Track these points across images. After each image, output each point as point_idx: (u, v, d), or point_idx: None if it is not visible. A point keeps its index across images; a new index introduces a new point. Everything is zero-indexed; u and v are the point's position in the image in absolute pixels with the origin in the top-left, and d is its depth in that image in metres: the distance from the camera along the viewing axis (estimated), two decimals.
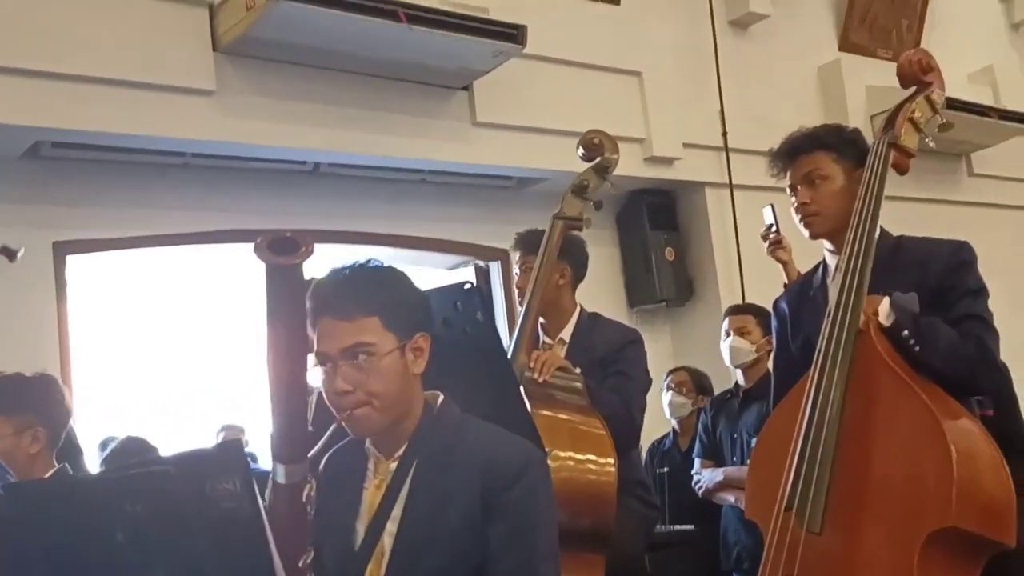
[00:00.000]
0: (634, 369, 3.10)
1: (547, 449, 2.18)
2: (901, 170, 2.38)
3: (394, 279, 1.80)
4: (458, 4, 4.52)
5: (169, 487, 1.31)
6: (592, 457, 2.78)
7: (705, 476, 3.86)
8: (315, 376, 1.73)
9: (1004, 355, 2.29)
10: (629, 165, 4.92)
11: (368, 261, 1.80)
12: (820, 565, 2.05)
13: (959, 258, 2.30)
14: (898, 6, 6.80)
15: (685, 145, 5.55)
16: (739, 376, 3.91)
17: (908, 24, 6.85)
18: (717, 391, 4.30)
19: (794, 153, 2.43)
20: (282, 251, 1.46)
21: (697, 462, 3.98)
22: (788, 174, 2.44)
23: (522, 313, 3.05)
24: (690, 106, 5.67)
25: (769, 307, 2.72)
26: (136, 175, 4.36)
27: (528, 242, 3.20)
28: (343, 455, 1.86)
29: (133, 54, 3.99)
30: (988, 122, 6.46)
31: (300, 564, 1.59)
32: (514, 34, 4.52)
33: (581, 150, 3.19)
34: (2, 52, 3.73)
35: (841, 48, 6.60)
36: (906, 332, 2.13)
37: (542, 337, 3.18)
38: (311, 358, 1.71)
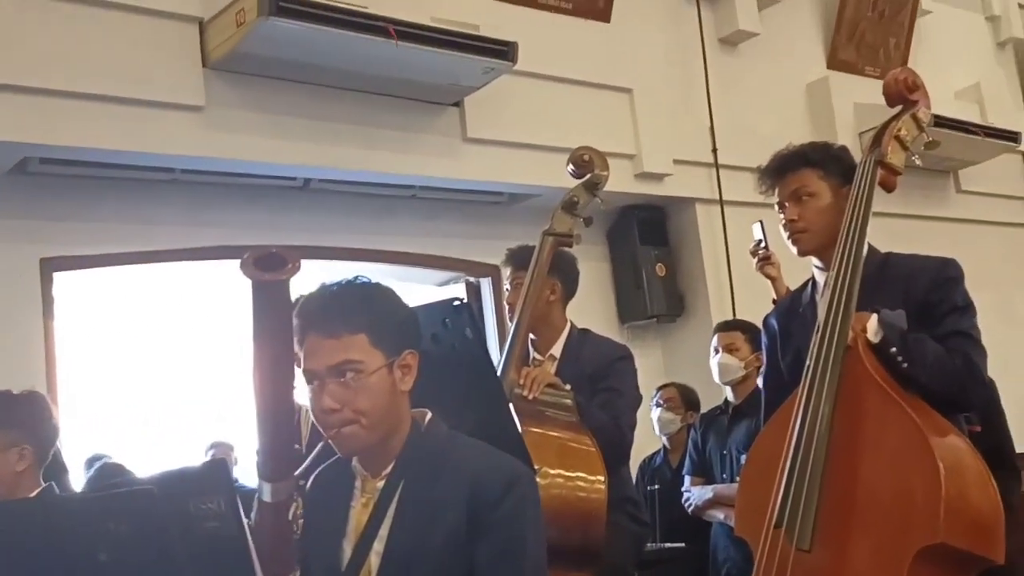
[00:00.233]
0: (624, 385, 3.09)
1: (536, 466, 2.17)
2: (888, 188, 2.39)
3: (382, 296, 1.80)
4: (448, 21, 4.53)
5: (152, 506, 1.30)
6: (582, 474, 2.77)
7: (695, 494, 3.85)
8: (304, 394, 1.72)
9: (992, 371, 2.30)
10: (620, 181, 4.94)
11: (355, 278, 1.79)
12: None
13: (945, 275, 2.31)
14: (886, 24, 6.85)
15: (675, 161, 5.57)
16: (728, 392, 3.91)
17: (896, 42, 6.89)
18: (708, 407, 4.30)
19: (781, 170, 2.45)
20: (269, 267, 1.45)
21: (687, 479, 3.97)
22: (776, 191, 2.46)
23: (512, 329, 3.05)
24: (680, 123, 5.70)
25: (760, 323, 2.73)
26: (125, 191, 4.34)
27: (518, 258, 3.20)
28: (329, 473, 1.84)
29: (122, 70, 3.98)
30: (975, 139, 6.50)
31: None
32: (504, 51, 4.53)
33: (571, 167, 3.19)
34: None
35: (829, 66, 6.64)
36: (894, 349, 2.14)
37: (532, 353, 3.18)
38: (298, 375, 1.71)
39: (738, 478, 2.83)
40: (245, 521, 1.32)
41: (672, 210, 5.81)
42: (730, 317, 5.06)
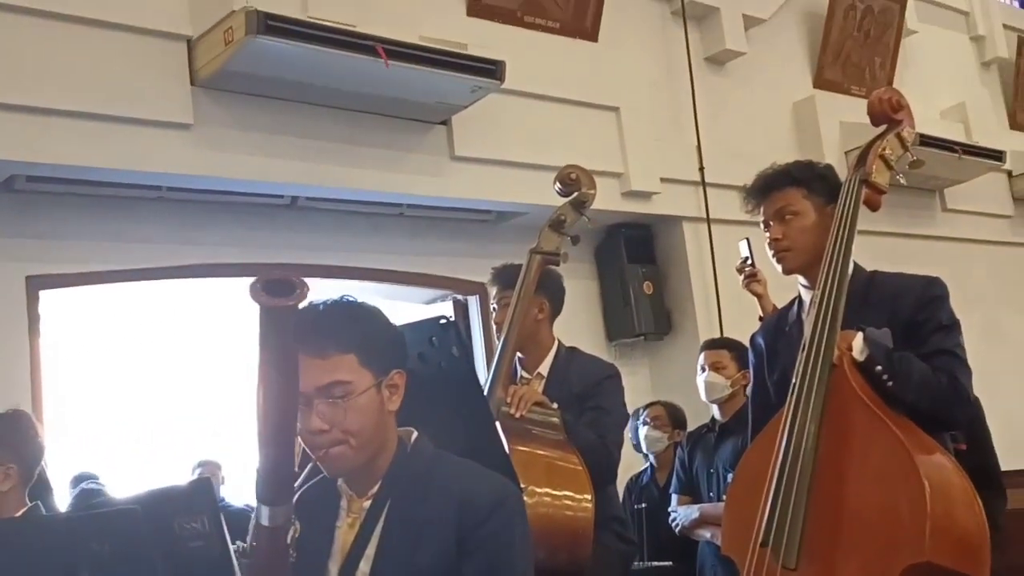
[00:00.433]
0: (611, 404, 3.09)
1: (523, 485, 2.17)
2: (873, 206, 2.40)
3: (369, 315, 1.79)
4: (436, 40, 4.55)
5: (136, 526, 1.30)
6: (569, 493, 2.77)
7: (681, 513, 3.84)
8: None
9: (978, 388, 2.31)
10: (607, 199, 4.95)
11: (342, 297, 1.78)
12: None
13: (931, 293, 2.32)
14: (871, 44, 6.91)
15: (662, 180, 5.59)
16: (715, 411, 3.91)
17: (881, 62, 6.95)
18: (695, 425, 4.30)
19: (766, 190, 2.46)
20: (278, 293, 1.44)
21: (674, 498, 3.96)
22: (761, 210, 2.47)
23: (499, 347, 3.05)
24: (667, 141, 5.73)
25: (747, 340, 2.73)
26: (112, 209, 4.33)
27: (505, 277, 3.21)
28: (314, 493, 1.83)
29: (110, 87, 3.98)
30: (961, 158, 6.55)
31: None
32: (492, 69, 4.55)
33: (558, 185, 3.20)
34: None
35: (816, 85, 6.69)
36: (879, 367, 2.14)
37: (520, 372, 3.18)
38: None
39: (725, 496, 2.83)
40: (231, 544, 1.31)
41: (659, 228, 5.83)
42: (717, 335, 5.08)
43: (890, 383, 2.13)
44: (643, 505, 4.35)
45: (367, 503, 1.77)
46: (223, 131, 4.28)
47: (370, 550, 1.73)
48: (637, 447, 4.54)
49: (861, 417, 2.11)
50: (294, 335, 1.70)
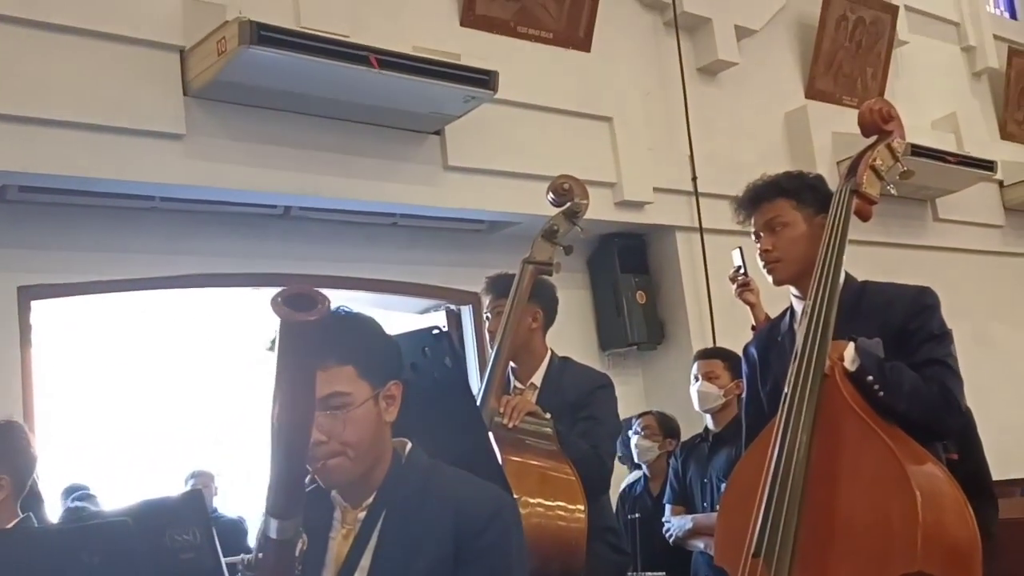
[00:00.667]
0: (604, 414, 3.09)
1: (516, 495, 2.16)
2: (864, 217, 2.41)
3: (367, 326, 1.79)
4: (429, 50, 4.56)
5: (127, 538, 1.29)
6: (562, 503, 2.76)
7: (675, 524, 3.84)
8: None
9: (969, 398, 2.31)
10: (600, 209, 4.96)
11: (338, 308, 1.78)
12: None
13: (922, 303, 2.32)
14: (863, 55, 6.95)
15: (655, 189, 5.60)
16: (709, 420, 3.91)
17: (872, 72, 6.99)
18: (690, 434, 4.30)
19: (756, 200, 2.47)
20: (299, 307, 1.44)
21: (668, 508, 3.96)
22: (752, 221, 2.47)
23: (492, 357, 3.05)
24: (660, 151, 5.74)
25: (739, 350, 2.74)
26: (104, 219, 4.33)
27: (498, 286, 3.20)
28: (307, 503, 1.83)
29: (103, 98, 3.98)
30: (952, 168, 6.58)
31: None
32: (485, 79, 4.56)
33: (551, 195, 3.20)
34: None
35: (807, 95, 6.73)
36: (871, 377, 2.15)
37: (513, 382, 3.17)
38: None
39: (718, 507, 2.83)
40: (222, 557, 1.31)
41: (652, 238, 5.85)
42: (710, 344, 5.08)
43: (881, 393, 2.14)
44: (636, 515, 4.33)
45: (362, 514, 1.76)
46: (216, 141, 4.28)
47: (365, 561, 1.73)
48: (623, 459, 4.53)
49: (853, 427, 2.11)
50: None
